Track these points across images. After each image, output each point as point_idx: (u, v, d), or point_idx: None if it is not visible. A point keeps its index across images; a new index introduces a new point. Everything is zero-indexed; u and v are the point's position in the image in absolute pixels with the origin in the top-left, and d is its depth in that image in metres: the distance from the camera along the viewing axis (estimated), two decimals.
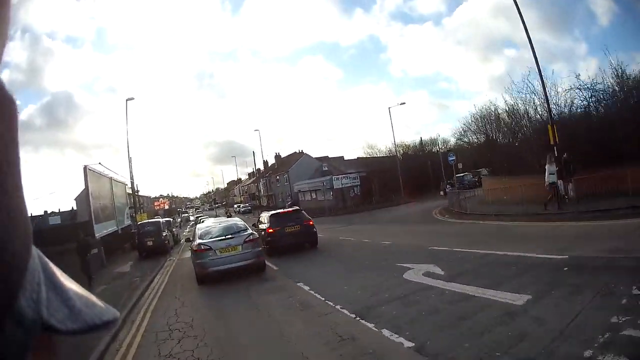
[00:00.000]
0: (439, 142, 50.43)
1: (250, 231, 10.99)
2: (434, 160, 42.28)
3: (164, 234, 20.58)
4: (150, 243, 19.51)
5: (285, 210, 16.23)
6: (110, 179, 22.80)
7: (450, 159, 27.96)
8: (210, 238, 10.46)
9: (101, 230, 18.54)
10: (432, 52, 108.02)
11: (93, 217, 17.52)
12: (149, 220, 23.56)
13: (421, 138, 51.07)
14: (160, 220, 22.40)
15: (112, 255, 20.08)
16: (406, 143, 49.92)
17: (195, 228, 12.62)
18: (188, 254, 15.48)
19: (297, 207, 17.09)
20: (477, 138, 29.28)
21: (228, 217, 31.77)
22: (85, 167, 17.75)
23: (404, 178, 37.93)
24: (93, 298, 0.40)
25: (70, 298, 0.37)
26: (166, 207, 74.86)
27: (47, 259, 0.38)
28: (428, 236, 13.58)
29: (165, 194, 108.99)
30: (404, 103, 44.03)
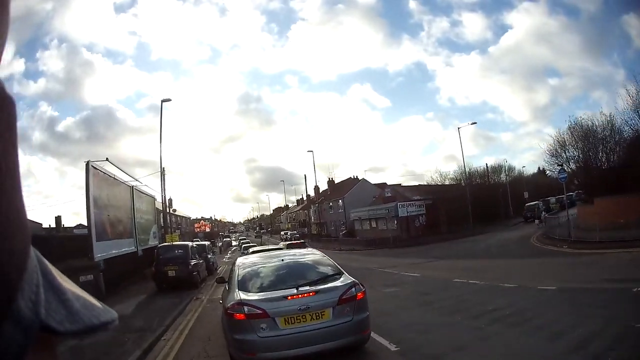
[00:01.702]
0: (505, 169, 48.38)
1: (346, 278, 5.59)
2: (501, 188, 41.12)
3: (193, 261, 15.23)
4: (172, 273, 14.25)
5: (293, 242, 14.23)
6: (132, 187, 18.07)
7: (562, 176, 21.68)
8: (263, 289, 5.41)
9: (107, 249, 13.56)
10: (478, 81, 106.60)
11: (93, 231, 12.55)
12: (175, 243, 18.30)
13: (486, 164, 47.01)
14: (190, 243, 17.02)
15: (126, 283, 15.02)
16: (473, 169, 45.41)
17: (234, 265, 6.78)
18: (221, 293, 11.41)
19: (303, 241, 15.30)
20: (575, 154, 26.58)
21: (291, 245, 17.39)
22: (87, 164, 12.97)
23: (472, 207, 35.26)
24: (91, 299, 0.40)
25: (69, 299, 0.37)
26: (207, 229, 70.97)
27: (45, 260, 0.37)
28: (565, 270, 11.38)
29: (207, 217, 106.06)
30: (474, 123, 39.82)
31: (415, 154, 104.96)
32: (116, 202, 15.56)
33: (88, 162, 13.09)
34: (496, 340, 5.70)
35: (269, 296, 4.94)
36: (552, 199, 38.26)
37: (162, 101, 25.34)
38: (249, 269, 5.82)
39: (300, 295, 4.86)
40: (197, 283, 15.24)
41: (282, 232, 67.19)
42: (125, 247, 16.02)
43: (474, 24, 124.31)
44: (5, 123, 0.32)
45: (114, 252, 14.17)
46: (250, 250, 16.04)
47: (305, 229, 57.99)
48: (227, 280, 7.01)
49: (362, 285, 5.27)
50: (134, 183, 18.54)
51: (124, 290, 14.01)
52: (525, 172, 53.69)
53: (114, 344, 6.77)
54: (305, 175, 72.22)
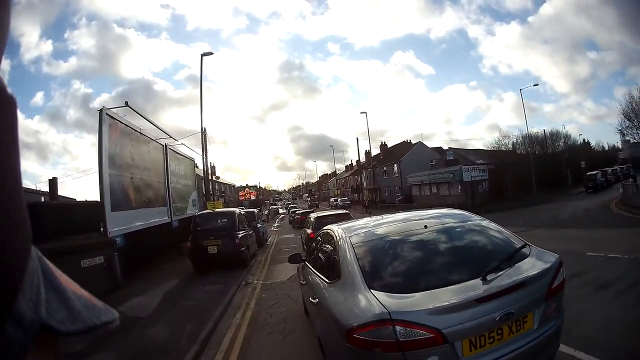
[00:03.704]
0: (563, 136, 45.87)
1: (542, 252, 3.08)
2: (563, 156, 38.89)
3: (241, 233, 11.77)
4: (213, 249, 11.03)
5: (332, 213, 13.36)
6: (165, 146, 15.11)
7: None
8: (418, 286, 2.63)
9: (129, 221, 10.77)
10: (520, 51, 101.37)
11: (108, 197, 9.66)
12: (218, 210, 14.17)
13: (544, 130, 44.49)
14: (237, 210, 13.18)
15: (156, 262, 12.24)
16: (534, 132, 43.08)
17: (335, 239, 3.66)
18: (280, 274, 10.50)
19: (346, 211, 13.31)
20: None
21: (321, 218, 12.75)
22: (100, 112, 9.98)
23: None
24: (93, 298, 0.40)
25: (70, 299, 0.37)
26: (252, 197, 68.93)
27: (46, 260, 0.37)
28: None
29: (252, 185, 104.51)
30: (537, 84, 39.90)
31: (459, 122, 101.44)
32: (143, 163, 12.66)
33: (102, 109, 10.11)
34: None
35: (444, 301, 2.47)
36: (609, 170, 37.43)
37: (202, 55, 22.58)
38: (373, 244, 3.23)
39: (498, 294, 2.52)
40: (247, 261, 12.07)
41: (332, 199, 64.26)
42: (156, 217, 13.23)
43: None
44: (6, 123, 0.31)
45: (138, 224, 11.36)
46: (313, 217, 13.41)
47: (357, 195, 54.61)
48: (304, 258, 5.09)
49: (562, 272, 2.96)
50: (167, 140, 15.57)
51: (152, 272, 11.15)
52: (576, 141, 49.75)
53: None
54: (357, 138, 67.95)
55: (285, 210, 56.23)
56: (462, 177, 32.72)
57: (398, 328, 2.33)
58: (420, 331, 2.35)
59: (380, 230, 3.53)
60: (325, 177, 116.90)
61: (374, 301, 2.51)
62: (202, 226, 11.64)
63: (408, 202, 38.79)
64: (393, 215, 4.28)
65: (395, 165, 47.92)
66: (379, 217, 4.19)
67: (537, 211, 22.48)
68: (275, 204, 77.70)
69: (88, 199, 12.65)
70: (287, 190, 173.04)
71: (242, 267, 11.34)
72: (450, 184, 35.16)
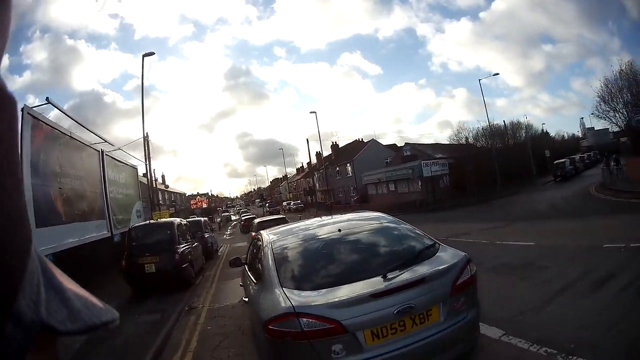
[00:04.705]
0: (525, 127, 44.85)
1: (449, 250, 3.39)
2: (525, 147, 38.03)
3: (183, 247, 10.30)
4: (150, 268, 9.51)
5: (271, 218, 14.59)
6: (101, 152, 13.48)
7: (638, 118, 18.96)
8: (324, 284, 3.05)
9: (59, 238, 9.29)
10: (471, 48, 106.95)
11: (32, 211, 8.13)
12: (154, 221, 12.50)
13: (504, 121, 44.28)
14: (176, 220, 11.41)
15: (97, 283, 10.53)
16: (494, 124, 42.08)
17: (260, 242, 4.11)
18: (230, 293, 8.82)
19: (282, 216, 15.14)
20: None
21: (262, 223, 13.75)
22: (22, 111, 8.48)
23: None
24: (92, 298, 0.40)
25: (70, 298, 0.37)
26: (204, 205, 66.39)
27: (46, 260, 0.38)
28: None
29: (203, 193, 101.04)
30: (497, 74, 42.08)
31: (409, 121, 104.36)
32: (75, 171, 11.07)
33: (22, 107, 8.63)
34: None
35: (342, 296, 2.83)
36: (577, 157, 37.40)
37: (144, 55, 21.39)
38: (289, 248, 3.60)
39: (395, 289, 2.83)
40: (192, 279, 10.59)
41: (285, 203, 63.11)
42: (93, 232, 11.66)
43: None
44: (7, 123, 0.31)
45: (70, 241, 9.83)
46: (256, 221, 14.97)
47: (309, 197, 53.79)
48: (244, 261, 5.26)
49: (473, 265, 3.22)
50: (103, 146, 13.92)
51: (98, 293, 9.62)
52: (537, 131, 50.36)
53: None
54: (307, 139, 66.78)
55: (237, 217, 54.57)
56: (422, 172, 32.23)
57: (303, 320, 2.68)
58: (321, 322, 2.68)
59: (300, 235, 3.87)
60: (276, 182, 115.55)
61: (283, 297, 2.86)
62: (138, 240, 10.16)
63: (364, 202, 38.41)
64: (317, 219, 4.72)
65: (349, 164, 47.54)
66: (307, 222, 4.70)
67: (507, 204, 21.69)
68: (227, 211, 75.41)
69: None
70: (239, 196, 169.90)
71: (186, 286, 9.94)
72: (410, 181, 34.51)
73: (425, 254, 3.24)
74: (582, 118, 68.80)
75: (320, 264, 3.32)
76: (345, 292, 2.83)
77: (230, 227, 43.83)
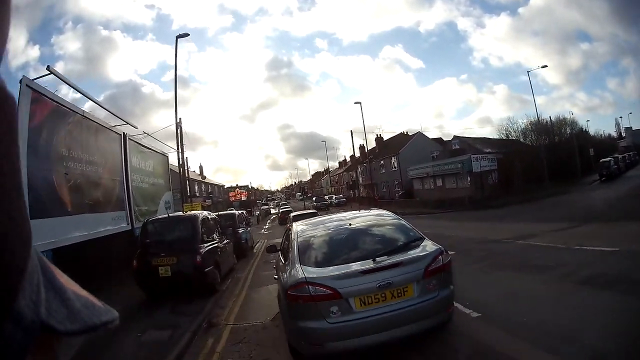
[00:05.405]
0: (569, 123, 41.23)
1: (430, 244, 4.48)
2: (571, 144, 35.12)
3: (207, 246, 8.75)
4: (165, 271, 7.98)
5: (304, 212, 15.88)
6: (123, 135, 12.14)
7: None
8: (331, 263, 4.30)
9: (63, 232, 8.01)
10: (511, 43, 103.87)
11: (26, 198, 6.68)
12: (174, 215, 10.64)
13: (550, 117, 38.99)
14: (201, 214, 9.85)
15: (107, 284, 9.15)
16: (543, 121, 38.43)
17: (291, 232, 5.28)
18: (261, 306, 7.49)
19: (314, 211, 16.19)
20: None
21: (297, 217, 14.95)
22: (20, 82, 7.18)
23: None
24: (92, 298, 0.40)
25: (70, 298, 0.37)
26: (243, 198, 65.80)
27: (46, 260, 0.38)
28: None
29: (242, 185, 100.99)
30: (545, 66, 35.79)
31: (450, 116, 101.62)
32: (87, 155, 9.72)
33: (22, 79, 7.33)
34: None
35: (341, 271, 4.04)
36: (619, 157, 36.31)
37: (177, 37, 20.20)
38: (310, 236, 4.91)
39: (378, 268, 3.99)
40: (215, 284, 8.85)
41: (327, 197, 61.37)
42: (108, 224, 10.29)
43: None
44: (6, 122, 0.31)
45: (77, 235, 8.45)
46: (292, 215, 17.21)
47: (352, 191, 51.74)
48: (280, 248, 6.24)
49: (447, 253, 4.30)
50: (128, 130, 12.60)
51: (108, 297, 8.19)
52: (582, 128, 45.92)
53: None
54: (351, 131, 64.38)
55: (277, 210, 53.53)
56: (471, 167, 29.95)
57: (311, 287, 3.84)
58: (323, 289, 3.82)
59: (320, 227, 5.21)
60: (318, 175, 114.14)
61: (300, 272, 4.06)
62: (153, 237, 8.70)
63: (409, 197, 36.02)
64: (339, 214, 6.17)
65: (394, 158, 45.11)
66: (331, 216, 6.33)
67: (559, 203, 19.87)
68: (267, 204, 74.59)
69: None
70: (279, 189, 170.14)
71: (208, 293, 8.34)
72: (458, 176, 32.36)
73: (410, 245, 4.37)
74: (621, 117, 63.81)
75: (330, 249, 4.53)
76: (344, 269, 4.03)
77: (269, 221, 42.74)
